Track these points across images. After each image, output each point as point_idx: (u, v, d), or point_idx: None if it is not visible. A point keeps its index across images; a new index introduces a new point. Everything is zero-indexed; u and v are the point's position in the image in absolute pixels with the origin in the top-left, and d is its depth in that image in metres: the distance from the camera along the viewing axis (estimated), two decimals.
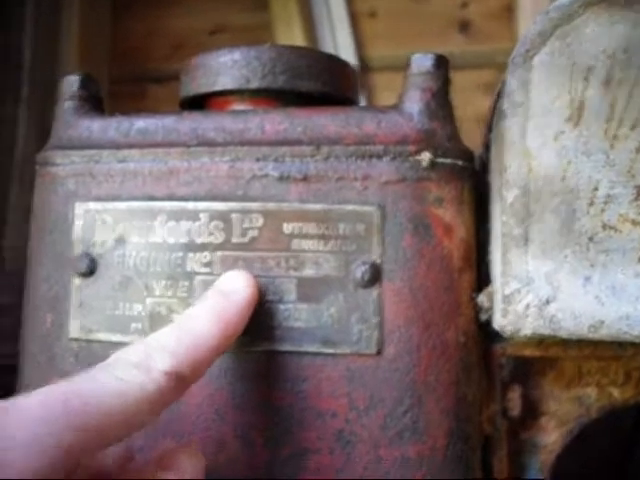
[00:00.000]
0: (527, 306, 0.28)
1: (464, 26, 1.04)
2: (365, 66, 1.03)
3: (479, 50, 1.02)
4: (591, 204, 0.28)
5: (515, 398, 0.34)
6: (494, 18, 1.03)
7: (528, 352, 0.33)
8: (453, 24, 1.04)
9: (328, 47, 1.01)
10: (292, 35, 0.99)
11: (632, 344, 0.31)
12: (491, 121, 0.33)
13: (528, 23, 0.90)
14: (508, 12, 1.02)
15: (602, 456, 0.59)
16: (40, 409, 0.24)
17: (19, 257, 0.86)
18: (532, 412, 0.35)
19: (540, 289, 0.28)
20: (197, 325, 0.29)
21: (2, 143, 0.92)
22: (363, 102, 0.99)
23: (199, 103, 0.39)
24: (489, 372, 0.34)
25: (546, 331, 0.28)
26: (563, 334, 0.28)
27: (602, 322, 0.27)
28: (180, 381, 0.27)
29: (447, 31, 1.03)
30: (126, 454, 0.30)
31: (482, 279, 0.33)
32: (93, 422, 0.24)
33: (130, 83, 1.08)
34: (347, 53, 1.01)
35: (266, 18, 1.04)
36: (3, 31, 0.93)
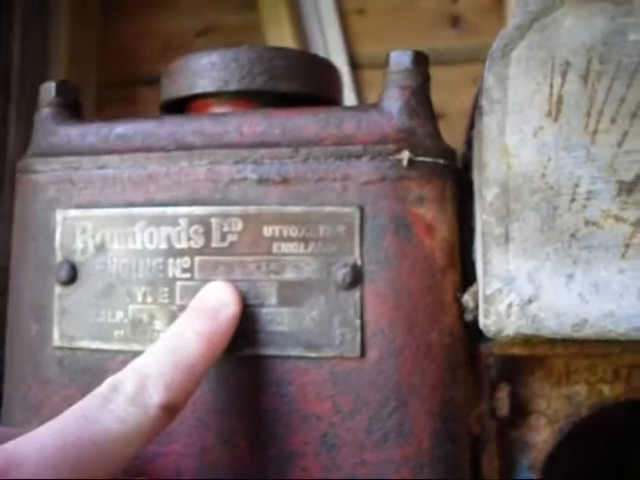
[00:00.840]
0: (509, 306, 0.28)
1: (455, 21, 1.04)
2: (355, 63, 1.03)
3: (470, 45, 1.02)
4: (572, 200, 0.27)
5: (503, 397, 0.34)
6: (485, 12, 1.03)
7: (515, 351, 0.33)
8: (444, 19, 1.04)
9: (318, 45, 1.01)
10: (281, 34, 0.98)
11: (620, 342, 0.30)
12: (472, 118, 0.33)
13: None
14: (498, 6, 1.01)
15: (595, 455, 0.58)
16: (51, 465, 0.24)
17: (8, 263, 0.86)
18: (521, 411, 0.35)
19: (522, 288, 0.28)
20: (190, 349, 0.29)
21: None
22: (353, 99, 0.98)
23: (180, 106, 0.39)
24: (476, 372, 0.33)
25: (529, 331, 0.27)
26: (546, 334, 0.27)
27: (586, 320, 0.27)
28: (173, 411, 0.27)
29: (438, 26, 1.03)
30: None
31: (467, 278, 0.32)
32: (101, 468, 0.25)
33: (120, 85, 1.08)
34: (337, 51, 1.01)
35: (256, 18, 1.04)
36: None
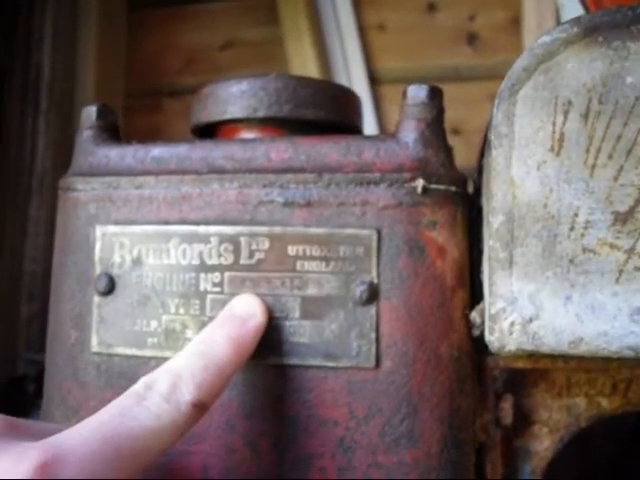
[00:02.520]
0: (512, 324, 0.30)
1: (472, 38, 1.06)
2: (375, 78, 1.05)
3: (487, 62, 1.04)
4: (572, 229, 0.30)
5: (507, 407, 0.36)
6: (501, 30, 1.04)
7: (519, 364, 0.35)
8: (461, 36, 1.06)
9: (338, 60, 1.03)
10: (302, 49, 1.01)
11: (618, 358, 0.33)
12: (483, 149, 0.35)
13: (532, 35, 0.92)
14: (514, 24, 1.03)
15: (602, 462, 0.60)
16: (93, 457, 0.26)
17: (38, 268, 0.89)
18: (524, 420, 0.37)
19: (524, 308, 0.30)
20: (219, 353, 0.31)
21: (23, 155, 0.94)
22: (372, 114, 1.01)
23: (210, 130, 0.41)
24: (482, 383, 0.36)
25: (529, 347, 0.30)
26: (545, 350, 0.30)
27: (582, 339, 0.29)
28: (203, 409, 0.30)
29: (455, 43, 1.05)
30: None
31: (476, 297, 0.35)
32: (137, 462, 0.27)
33: (145, 97, 1.11)
34: (356, 65, 1.03)
35: (277, 33, 1.06)
36: (24, 48, 0.96)
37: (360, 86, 1.01)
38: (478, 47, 1.05)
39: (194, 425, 0.30)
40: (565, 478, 0.55)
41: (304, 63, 1.00)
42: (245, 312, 0.33)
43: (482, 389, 0.36)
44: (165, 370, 0.30)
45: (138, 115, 1.09)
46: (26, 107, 0.96)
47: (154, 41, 1.12)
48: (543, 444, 0.37)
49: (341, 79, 1.01)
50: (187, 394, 0.29)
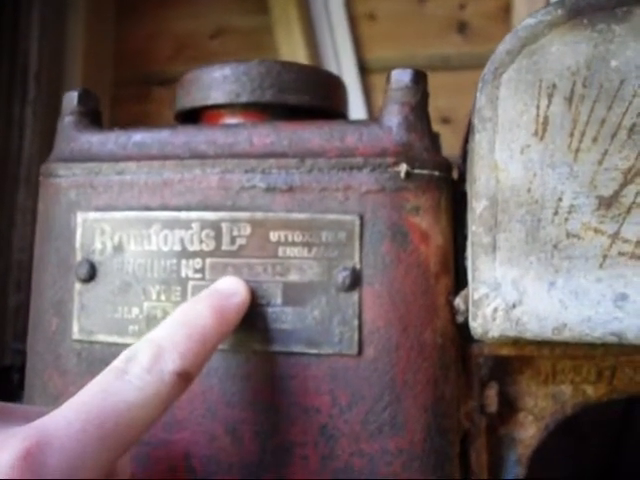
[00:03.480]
0: (495, 310, 0.30)
1: (462, 27, 1.05)
2: (364, 67, 1.04)
3: (477, 51, 1.03)
4: (555, 214, 0.29)
5: (492, 395, 0.36)
6: (492, 19, 1.04)
7: (504, 351, 0.35)
8: (451, 25, 1.05)
9: (328, 49, 1.03)
10: (292, 38, 1.00)
11: (602, 344, 0.33)
12: (467, 134, 0.35)
13: None
14: (505, 13, 1.03)
15: (593, 452, 0.60)
16: (77, 439, 0.25)
17: (26, 258, 0.88)
18: (510, 408, 0.37)
19: (507, 294, 0.30)
20: (202, 322, 0.30)
21: (10, 144, 0.94)
22: (362, 103, 1.00)
23: (194, 116, 0.41)
24: (467, 370, 0.36)
25: (512, 333, 0.30)
26: (528, 336, 0.29)
27: (565, 325, 0.29)
28: (188, 379, 0.29)
29: (445, 32, 1.05)
30: None
31: (460, 283, 0.34)
32: (123, 438, 0.26)
33: (134, 85, 1.10)
34: (346, 55, 1.02)
35: (267, 21, 1.05)
36: (11, 35, 0.95)
37: (350, 75, 1.00)
38: (468, 36, 1.04)
39: (180, 396, 0.29)
40: (557, 469, 0.55)
41: (294, 52, 0.99)
42: (228, 289, 0.33)
43: (467, 376, 0.36)
44: (146, 341, 0.29)
45: (128, 104, 1.08)
46: (13, 96, 0.95)
47: (143, 29, 1.12)
48: (528, 432, 0.37)
49: (331, 68, 1.01)
50: (170, 363, 0.28)
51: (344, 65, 1.02)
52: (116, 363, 0.28)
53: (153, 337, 0.29)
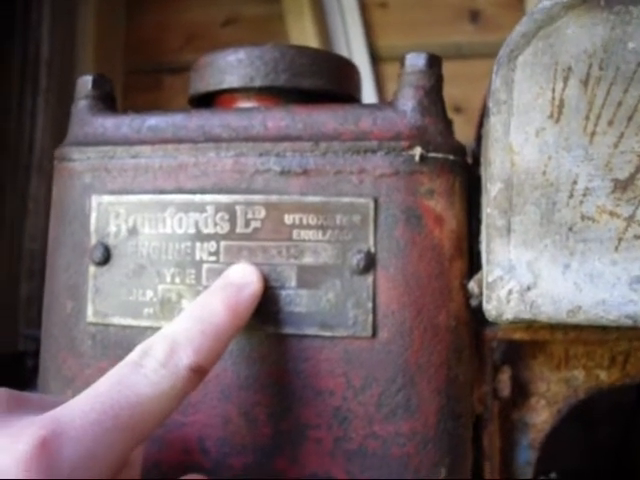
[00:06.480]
0: (509, 292, 0.30)
1: (474, 15, 1.05)
2: (376, 56, 1.04)
3: (489, 39, 1.03)
4: (570, 196, 0.29)
5: (505, 379, 0.36)
6: (504, 7, 1.04)
7: (518, 336, 0.35)
8: (463, 14, 1.05)
9: (339, 37, 1.03)
10: (303, 26, 1.00)
11: (616, 329, 0.33)
12: (482, 117, 0.35)
13: None
14: (517, 1, 1.02)
15: (604, 439, 0.60)
16: (93, 429, 0.25)
17: (38, 247, 0.89)
18: (522, 393, 0.37)
19: (522, 276, 0.30)
20: (216, 317, 0.31)
21: (23, 134, 0.94)
22: (374, 92, 1.00)
23: (207, 100, 0.41)
24: (480, 354, 0.36)
25: (527, 316, 0.30)
26: (543, 318, 0.29)
27: (580, 307, 0.29)
28: (202, 373, 0.29)
29: (457, 21, 1.04)
30: None
31: (474, 267, 0.35)
32: (138, 430, 0.27)
33: (146, 74, 1.10)
34: (358, 43, 1.02)
35: (278, 9, 1.05)
36: (23, 25, 0.95)
37: (361, 63, 1.00)
38: (480, 24, 1.04)
39: (193, 390, 0.29)
40: (568, 455, 0.55)
41: (305, 40, 0.99)
42: (241, 279, 0.33)
43: (480, 360, 0.36)
44: (161, 336, 0.30)
45: (138, 92, 1.08)
46: (25, 86, 0.95)
47: (154, 17, 1.12)
48: (541, 416, 0.37)
49: None
50: (185, 358, 0.29)
51: (355, 53, 1.01)
52: (132, 357, 0.29)
53: (168, 332, 0.30)
